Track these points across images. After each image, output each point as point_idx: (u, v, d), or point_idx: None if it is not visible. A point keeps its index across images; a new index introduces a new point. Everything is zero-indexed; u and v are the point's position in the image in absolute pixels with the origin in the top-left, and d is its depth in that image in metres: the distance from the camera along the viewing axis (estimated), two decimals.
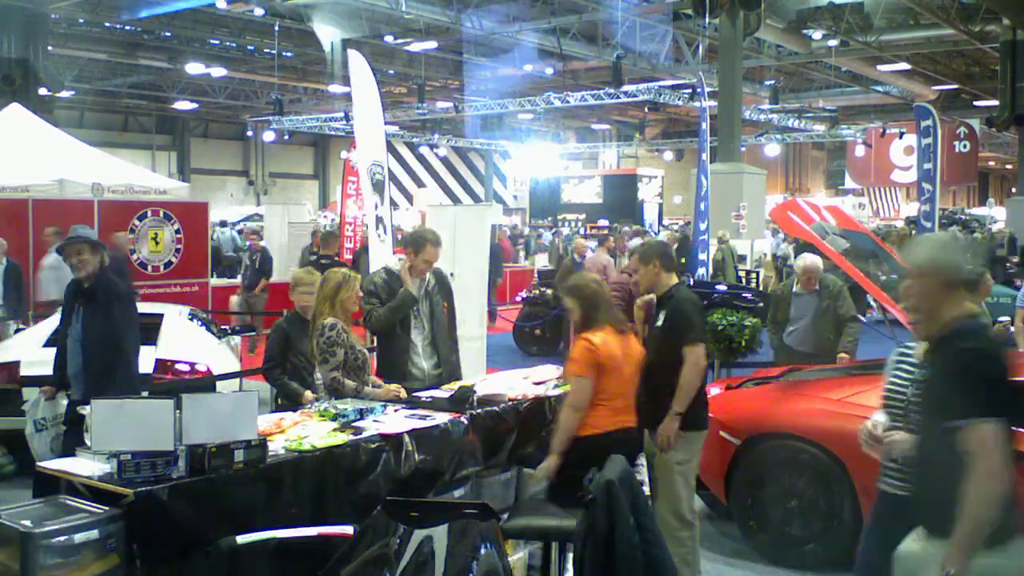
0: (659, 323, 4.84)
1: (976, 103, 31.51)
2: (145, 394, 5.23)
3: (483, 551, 3.30)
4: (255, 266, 12.74)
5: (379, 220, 8.03)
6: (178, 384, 6.52)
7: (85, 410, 3.59)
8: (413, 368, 5.45)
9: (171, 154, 36.85)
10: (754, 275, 16.04)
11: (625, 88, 23.07)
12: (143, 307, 9.20)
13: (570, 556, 4.35)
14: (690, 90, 22.30)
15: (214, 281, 14.20)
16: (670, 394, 4.65)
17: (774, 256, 17.59)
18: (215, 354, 7.47)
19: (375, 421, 4.37)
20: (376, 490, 3.99)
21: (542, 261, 23.26)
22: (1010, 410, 2.64)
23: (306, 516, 3.70)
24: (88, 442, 3.55)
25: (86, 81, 27.81)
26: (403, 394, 4.95)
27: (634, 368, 4.57)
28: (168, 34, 22.94)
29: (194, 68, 25.03)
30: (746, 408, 5.72)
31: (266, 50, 23.97)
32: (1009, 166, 44.59)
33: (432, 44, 23.04)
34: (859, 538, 3.47)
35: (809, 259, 6.99)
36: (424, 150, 38.68)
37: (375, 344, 5.81)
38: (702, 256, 12.21)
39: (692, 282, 10.66)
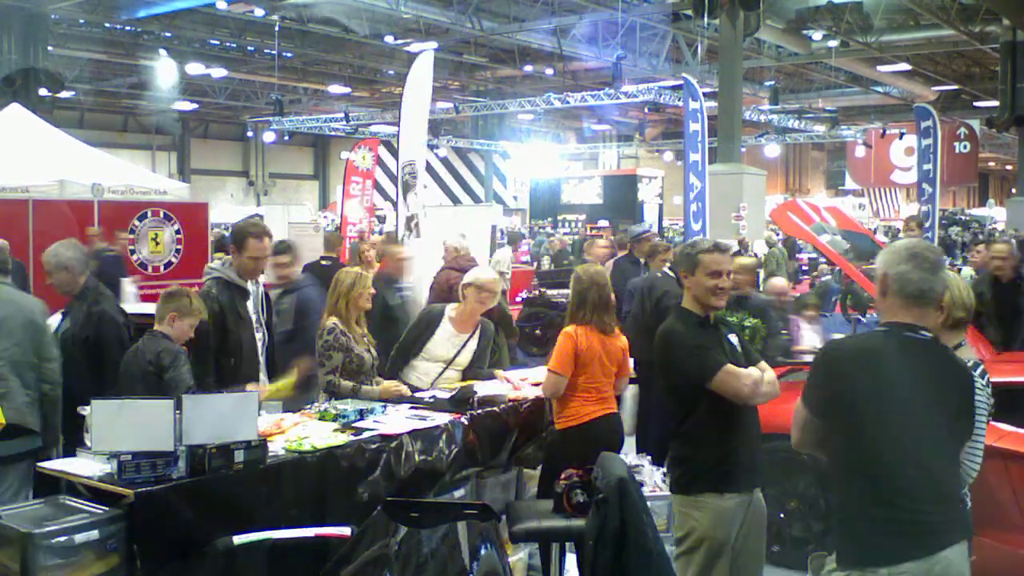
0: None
1: (976, 104, 31.50)
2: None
3: (483, 551, 3.30)
4: None
5: (409, 220, 8.04)
6: None
7: (85, 410, 3.59)
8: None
9: (171, 154, 36.85)
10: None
11: (625, 89, 23.07)
12: (143, 307, 9.21)
13: (569, 557, 4.35)
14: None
15: None
16: None
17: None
18: None
19: (375, 421, 4.37)
20: (376, 490, 3.99)
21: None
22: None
23: (306, 517, 3.71)
24: (88, 442, 3.56)
25: (86, 81, 27.81)
26: (404, 391, 4.96)
27: (614, 365, 4.65)
28: (168, 34, 22.94)
29: (194, 68, 25.03)
30: None
31: (266, 50, 23.97)
32: (1009, 167, 44.58)
33: (432, 44, 23.05)
34: None
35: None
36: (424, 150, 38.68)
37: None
38: None
39: None
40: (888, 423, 2.60)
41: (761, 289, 7.87)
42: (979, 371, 3.13)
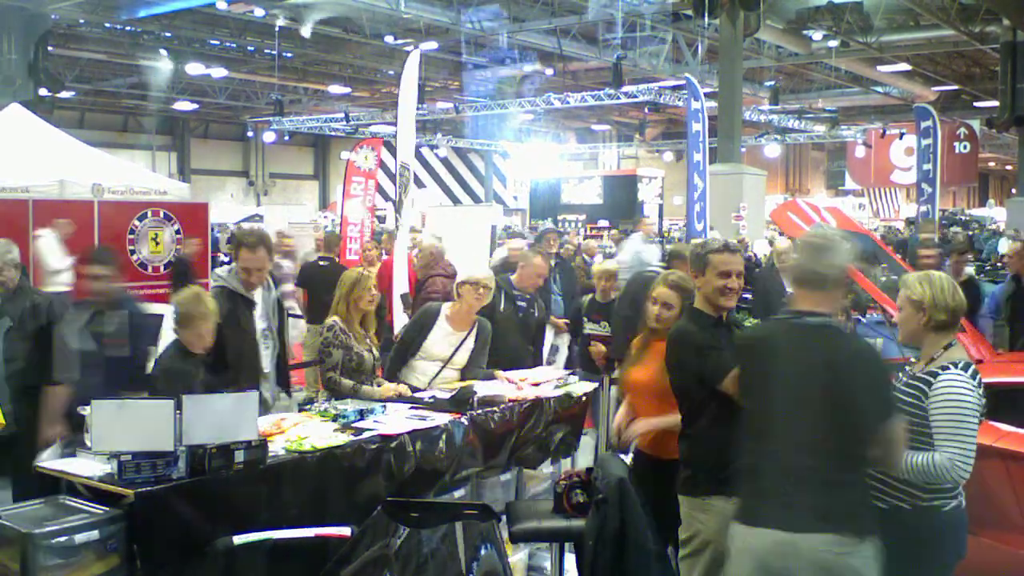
0: None
1: (976, 104, 31.48)
2: (145, 394, 5.19)
3: (483, 551, 3.30)
4: None
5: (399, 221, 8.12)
6: None
7: (85, 410, 3.59)
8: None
9: (171, 154, 36.85)
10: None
11: (625, 89, 23.06)
12: (144, 307, 9.20)
13: (569, 557, 4.35)
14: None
15: None
16: None
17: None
18: None
19: (375, 421, 4.37)
20: (376, 490, 3.99)
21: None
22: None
23: (306, 517, 3.71)
24: (88, 442, 3.56)
25: (86, 81, 27.80)
26: (404, 391, 4.96)
27: None
28: (168, 34, 22.94)
29: (194, 68, 25.03)
30: None
31: (266, 50, 23.96)
32: (1009, 167, 44.57)
33: (432, 44, 23.04)
34: None
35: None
36: (424, 150, 38.70)
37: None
38: None
39: None
40: (759, 403, 2.99)
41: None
42: (969, 372, 3.13)
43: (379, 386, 4.96)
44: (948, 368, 3.12)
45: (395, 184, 8.14)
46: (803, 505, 2.81)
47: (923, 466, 3.03)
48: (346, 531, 3.54)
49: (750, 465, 2.98)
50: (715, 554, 3.37)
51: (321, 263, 9.74)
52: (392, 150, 10.88)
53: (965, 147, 31.31)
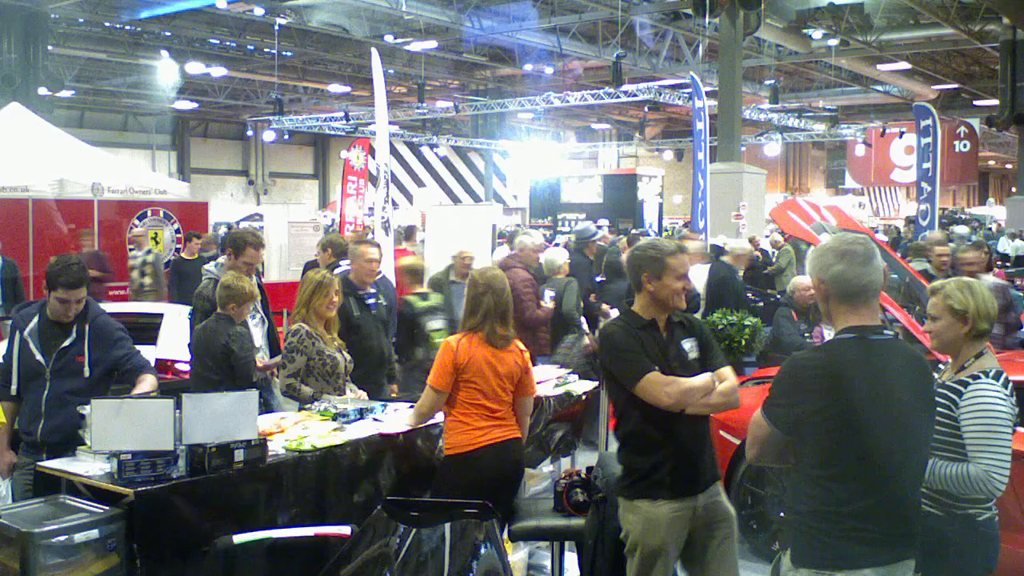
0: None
1: (976, 103, 31.48)
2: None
3: (483, 550, 3.29)
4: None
5: (384, 221, 8.09)
6: (178, 384, 6.51)
7: (85, 410, 3.59)
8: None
9: (171, 154, 36.83)
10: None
11: (625, 88, 23.04)
12: (144, 307, 9.21)
13: (569, 556, 4.35)
14: (689, 90, 22.31)
15: None
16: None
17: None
18: None
19: (375, 420, 4.37)
20: (376, 490, 3.99)
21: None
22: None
23: (306, 516, 3.71)
24: (88, 442, 3.55)
25: (86, 81, 27.78)
26: (363, 396, 4.99)
27: (509, 382, 4.10)
28: (168, 33, 22.92)
29: (194, 67, 25.02)
30: (746, 408, 5.70)
31: (266, 50, 23.95)
32: (1009, 166, 44.57)
33: (432, 44, 23.03)
34: None
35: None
36: (424, 150, 38.68)
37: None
38: None
39: None
40: (871, 434, 2.56)
41: (783, 288, 7.84)
42: (1001, 380, 3.08)
43: (351, 393, 4.94)
44: (979, 377, 3.07)
45: (374, 184, 8.16)
46: (908, 535, 2.66)
47: (957, 477, 2.98)
48: (346, 530, 3.53)
49: (845, 507, 2.58)
50: (643, 555, 3.39)
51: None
52: (392, 149, 10.87)
53: (965, 146, 31.30)
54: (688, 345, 3.53)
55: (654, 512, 3.37)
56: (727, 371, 3.52)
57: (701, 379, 3.39)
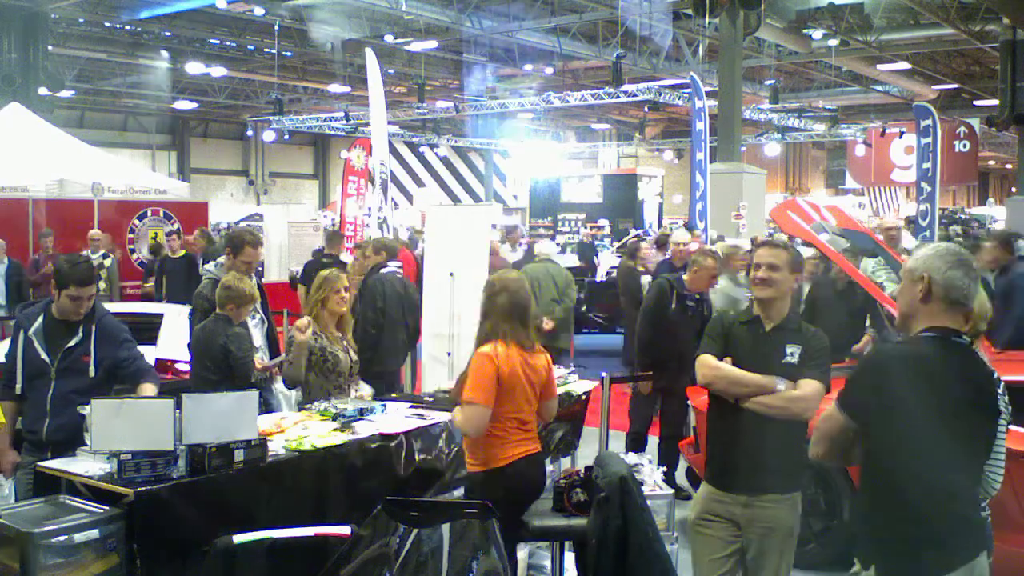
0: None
1: (976, 103, 31.47)
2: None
3: (483, 551, 3.29)
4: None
5: (382, 220, 8.10)
6: (178, 384, 6.52)
7: (85, 410, 3.60)
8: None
9: (171, 154, 36.83)
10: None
11: (625, 88, 23.04)
12: (144, 307, 9.22)
13: (569, 556, 4.35)
14: (689, 90, 22.32)
15: None
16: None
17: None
18: None
19: (375, 420, 4.37)
20: (376, 489, 3.99)
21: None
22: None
23: (306, 516, 3.71)
24: (88, 442, 3.56)
25: (86, 81, 27.78)
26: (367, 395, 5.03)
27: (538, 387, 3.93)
28: (168, 33, 22.92)
29: (194, 68, 25.02)
30: None
31: (266, 50, 23.95)
32: (1009, 166, 44.56)
33: (432, 44, 23.03)
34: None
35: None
36: (424, 150, 38.69)
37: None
38: None
39: None
40: (928, 437, 2.63)
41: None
42: (994, 377, 3.10)
43: (357, 392, 4.96)
44: None
45: (373, 184, 8.17)
46: (980, 527, 2.80)
47: None
48: (346, 530, 3.53)
49: (895, 510, 2.68)
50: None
51: (323, 260, 9.76)
52: (392, 149, 10.88)
53: (965, 146, 31.29)
54: (791, 350, 3.54)
55: (699, 492, 3.72)
56: (809, 383, 3.46)
57: (757, 376, 3.47)
